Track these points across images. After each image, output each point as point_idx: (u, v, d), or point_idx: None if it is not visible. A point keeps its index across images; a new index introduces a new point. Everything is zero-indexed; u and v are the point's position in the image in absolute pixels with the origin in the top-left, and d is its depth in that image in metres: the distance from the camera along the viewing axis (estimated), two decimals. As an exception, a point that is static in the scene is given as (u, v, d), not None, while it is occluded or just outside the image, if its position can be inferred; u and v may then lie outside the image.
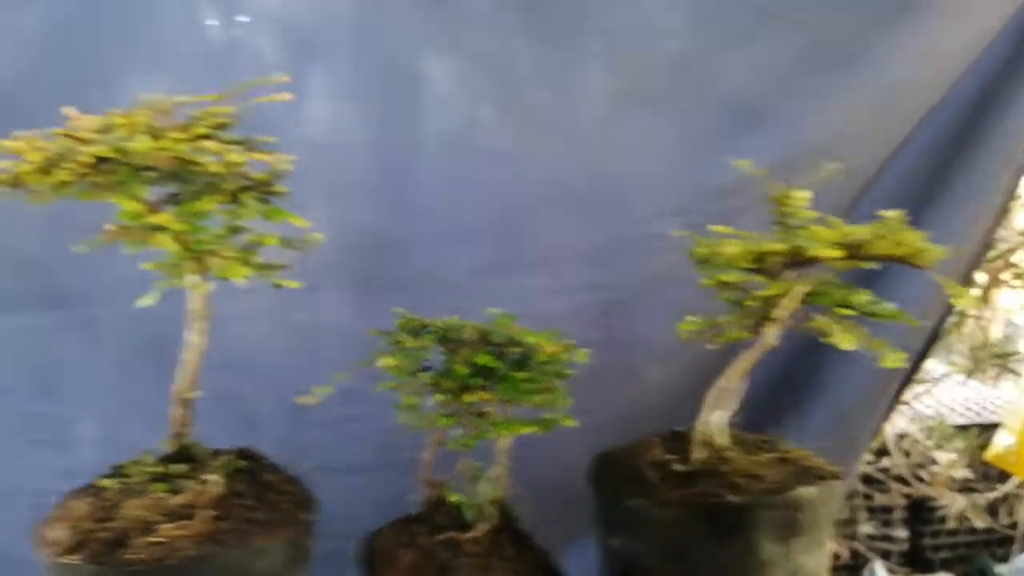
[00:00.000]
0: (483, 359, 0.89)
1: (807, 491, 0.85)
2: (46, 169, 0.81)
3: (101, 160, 0.81)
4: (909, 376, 1.66)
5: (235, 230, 0.87)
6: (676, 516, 0.84)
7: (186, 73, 1.31)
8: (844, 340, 0.87)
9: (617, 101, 1.41)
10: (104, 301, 1.43)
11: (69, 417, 1.49)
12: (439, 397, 0.89)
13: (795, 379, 1.57)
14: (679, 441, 0.94)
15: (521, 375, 0.89)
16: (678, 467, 0.88)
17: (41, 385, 1.47)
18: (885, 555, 2.14)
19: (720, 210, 1.41)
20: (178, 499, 0.84)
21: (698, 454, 0.90)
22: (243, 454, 0.95)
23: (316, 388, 0.96)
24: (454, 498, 0.96)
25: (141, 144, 0.78)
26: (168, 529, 0.80)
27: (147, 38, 1.31)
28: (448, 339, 0.90)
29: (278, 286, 0.91)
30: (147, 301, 0.93)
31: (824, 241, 0.85)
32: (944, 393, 2.32)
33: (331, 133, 1.42)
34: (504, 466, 0.94)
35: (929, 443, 2.10)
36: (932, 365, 2.06)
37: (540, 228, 1.45)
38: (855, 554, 2.12)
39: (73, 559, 0.79)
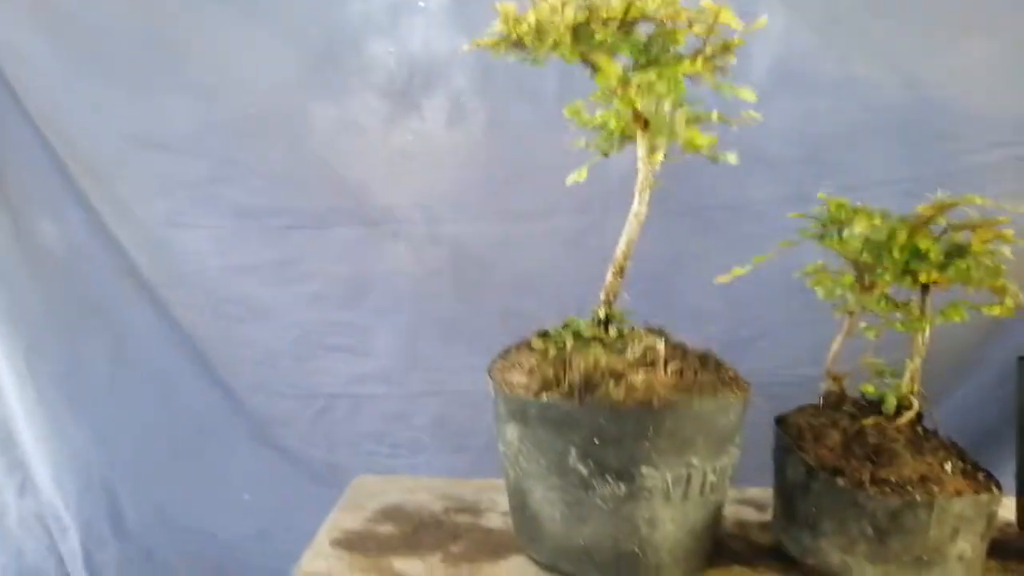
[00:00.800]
0: (924, 243, 0.87)
1: None
2: (539, 33, 0.85)
3: (580, 26, 0.84)
4: None
5: (682, 103, 0.89)
6: None
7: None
8: None
9: (949, 27, 1.36)
10: (409, 219, 1.51)
11: (368, 326, 1.59)
12: (880, 276, 0.88)
13: None
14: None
15: (963, 262, 0.87)
16: None
17: (347, 295, 1.57)
18: None
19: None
20: (632, 354, 0.86)
21: None
22: (652, 328, 0.97)
23: (735, 269, 0.98)
24: (869, 389, 0.95)
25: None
26: (639, 375, 0.83)
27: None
28: (885, 225, 0.89)
29: (715, 160, 0.93)
30: (576, 178, 0.97)
31: None
32: None
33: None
34: (922, 359, 0.93)
35: None
36: None
37: (855, 157, 1.42)
38: None
39: (552, 396, 0.83)
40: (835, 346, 0.96)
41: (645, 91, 0.84)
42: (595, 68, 0.86)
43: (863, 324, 0.95)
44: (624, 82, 0.84)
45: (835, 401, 0.96)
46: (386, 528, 1.00)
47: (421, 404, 1.61)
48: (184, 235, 1.55)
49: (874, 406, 0.93)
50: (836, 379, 0.97)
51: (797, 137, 1.42)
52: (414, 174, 1.51)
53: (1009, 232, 0.89)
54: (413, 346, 1.59)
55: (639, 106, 0.85)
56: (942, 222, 0.90)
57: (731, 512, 1.00)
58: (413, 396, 1.62)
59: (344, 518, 1.03)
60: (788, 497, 0.91)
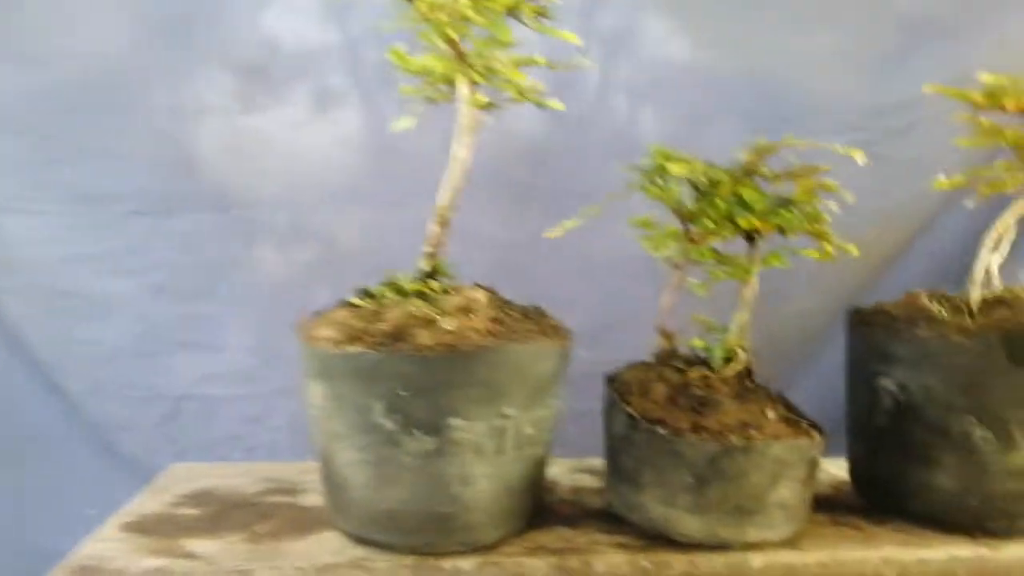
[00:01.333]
0: (748, 193, 0.87)
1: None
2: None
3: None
4: None
5: (507, 44, 0.86)
6: (976, 344, 0.80)
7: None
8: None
9: (794, 16, 1.39)
10: (267, 206, 1.43)
11: (221, 320, 1.48)
12: (704, 224, 0.87)
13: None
14: (940, 297, 0.92)
15: (787, 212, 0.87)
16: (959, 304, 0.86)
17: (197, 286, 1.46)
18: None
19: (891, 127, 1.41)
20: (449, 302, 0.81)
21: (978, 293, 0.88)
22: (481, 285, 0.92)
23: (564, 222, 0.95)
24: (699, 343, 0.93)
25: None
26: (452, 322, 0.77)
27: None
28: (708, 176, 0.88)
29: (541, 106, 0.90)
30: (404, 125, 0.92)
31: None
32: None
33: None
34: (749, 313, 0.92)
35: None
36: None
37: (706, 144, 1.43)
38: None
39: (356, 348, 0.76)
40: (665, 302, 0.94)
41: (458, 19, 0.81)
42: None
43: (693, 280, 0.94)
44: (437, 7, 0.80)
45: (666, 357, 0.94)
46: (188, 511, 0.90)
47: (279, 404, 1.51)
48: (14, 221, 1.41)
49: (704, 361, 0.91)
50: (667, 336, 0.95)
51: (650, 124, 1.43)
52: (273, 157, 1.43)
53: (832, 182, 0.90)
54: (270, 341, 1.49)
55: (452, 36, 0.81)
56: (766, 173, 0.91)
57: (570, 480, 0.96)
58: (270, 395, 1.51)
59: (143, 503, 0.92)
60: (614, 453, 0.87)
